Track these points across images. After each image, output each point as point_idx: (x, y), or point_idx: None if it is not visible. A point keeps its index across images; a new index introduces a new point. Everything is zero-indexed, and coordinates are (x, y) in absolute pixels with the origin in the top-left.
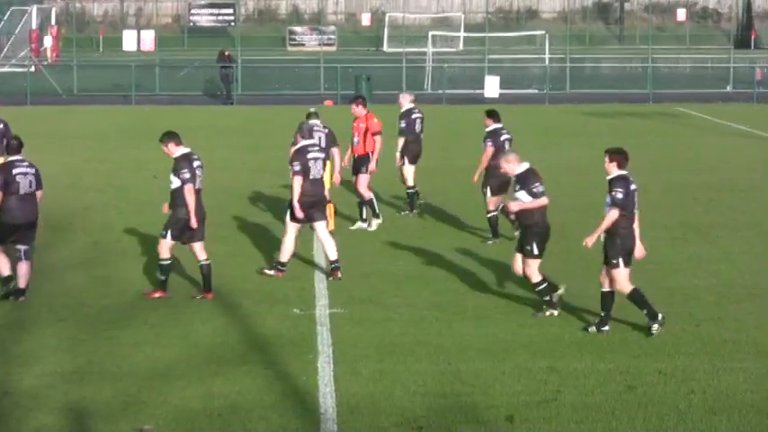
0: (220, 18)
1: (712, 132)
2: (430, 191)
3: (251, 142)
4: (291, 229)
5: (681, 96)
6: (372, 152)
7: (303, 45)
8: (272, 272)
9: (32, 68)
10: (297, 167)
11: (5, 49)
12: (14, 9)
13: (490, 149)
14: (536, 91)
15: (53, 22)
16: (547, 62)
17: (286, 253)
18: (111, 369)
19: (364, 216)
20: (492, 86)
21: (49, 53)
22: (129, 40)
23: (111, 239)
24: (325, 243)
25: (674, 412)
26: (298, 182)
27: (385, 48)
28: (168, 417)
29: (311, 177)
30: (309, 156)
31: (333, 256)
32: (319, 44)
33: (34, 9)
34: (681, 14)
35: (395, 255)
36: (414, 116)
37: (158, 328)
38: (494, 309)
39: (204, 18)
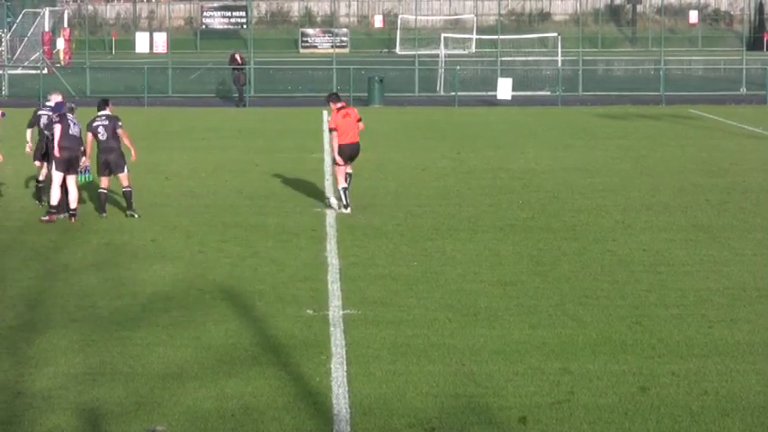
0: (233, 20)
1: (725, 134)
2: (443, 192)
3: (263, 144)
4: (55, 177)
5: (693, 98)
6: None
7: (315, 47)
8: (45, 217)
9: (45, 70)
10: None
11: (18, 52)
12: (27, 11)
13: (90, 136)
14: (548, 93)
15: (65, 24)
16: (559, 64)
17: (54, 198)
18: (124, 370)
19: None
20: (504, 88)
21: (61, 55)
22: (141, 43)
23: (123, 241)
24: (70, 193)
25: (687, 414)
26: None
27: (397, 50)
28: (181, 417)
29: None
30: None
31: (72, 205)
32: (332, 46)
33: (47, 12)
34: (693, 17)
35: (408, 256)
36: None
37: (171, 330)
38: (506, 310)
39: (216, 20)
